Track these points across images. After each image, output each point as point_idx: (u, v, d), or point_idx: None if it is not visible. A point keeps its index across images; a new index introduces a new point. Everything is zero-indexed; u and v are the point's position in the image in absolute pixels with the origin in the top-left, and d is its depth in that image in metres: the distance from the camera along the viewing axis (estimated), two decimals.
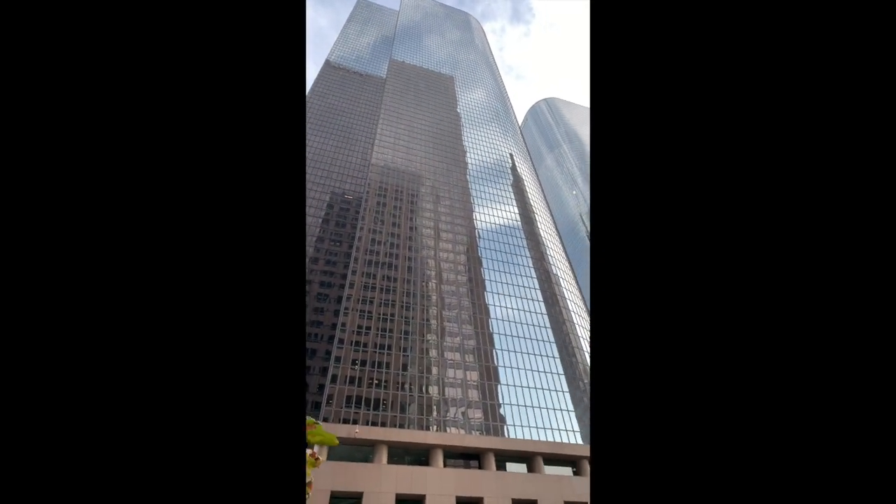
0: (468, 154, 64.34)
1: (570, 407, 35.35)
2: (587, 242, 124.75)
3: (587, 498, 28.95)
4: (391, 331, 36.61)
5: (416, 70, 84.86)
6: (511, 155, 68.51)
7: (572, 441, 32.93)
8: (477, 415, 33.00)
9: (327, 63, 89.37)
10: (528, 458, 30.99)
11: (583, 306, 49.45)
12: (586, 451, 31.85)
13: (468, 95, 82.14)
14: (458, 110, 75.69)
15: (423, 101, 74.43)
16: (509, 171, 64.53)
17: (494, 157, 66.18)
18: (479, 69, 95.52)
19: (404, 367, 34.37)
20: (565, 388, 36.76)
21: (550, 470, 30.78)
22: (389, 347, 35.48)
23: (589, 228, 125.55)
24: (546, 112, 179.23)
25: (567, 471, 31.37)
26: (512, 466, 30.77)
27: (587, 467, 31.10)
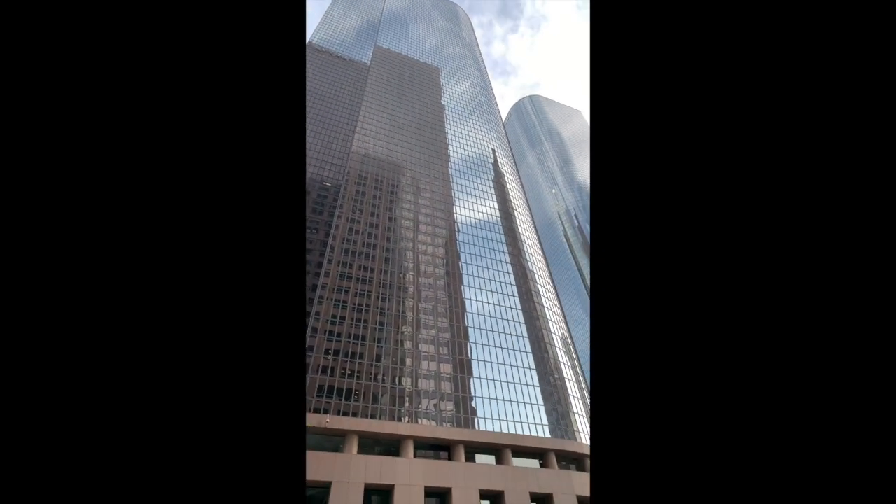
0: (451, 147, 64.07)
1: (540, 401, 36.10)
2: (563, 241, 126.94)
3: (551, 489, 29.74)
4: (366, 321, 36.32)
5: (401, 58, 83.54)
6: (493, 150, 68.67)
7: (540, 434, 33.68)
8: (449, 407, 33.26)
9: (309, 45, 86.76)
10: (497, 450, 31.53)
11: (556, 303, 50.39)
12: (553, 445, 32.65)
13: (453, 87, 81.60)
14: (443, 102, 75.13)
15: (407, 90, 73.47)
16: (491, 166, 64.70)
17: (477, 151, 66.17)
18: (466, 62, 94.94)
19: (378, 358, 34.21)
20: (536, 382, 37.48)
21: (518, 462, 31.43)
22: (363, 338, 35.21)
23: (565, 227, 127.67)
24: (529, 109, 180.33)
25: (534, 463, 32.11)
26: (481, 458, 31.25)
27: (553, 460, 31.91)
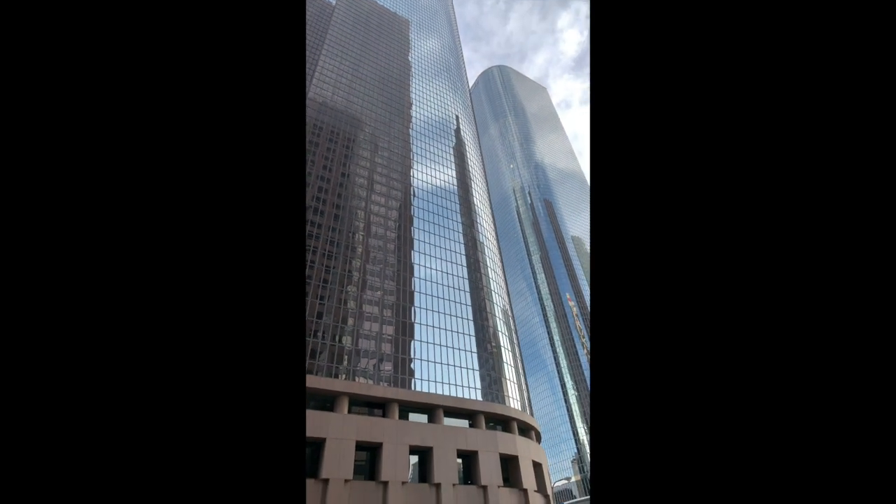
0: (414, 107, 61.96)
1: (476, 366, 37.84)
2: (515, 216, 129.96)
3: (477, 447, 31.82)
4: (310, 277, 35.41)
5: (369, 4, 77.89)
6: (457, 117, 67.40)
7: (473, 397, 35.52)
8: (387, 367, 33.91)
9: None
10: (430, 409, 32.92)
11: (502, 276, 52.07)
12: (483, 407, 34.64)
13: (422, 44, 77.96)
14: (410, 58, 71.76)
15: (373, 40, 69.12)
16: (453, 133, 63.66)
17: (441, 115, 64.59)
18: (438, 18, 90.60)
19: (319, 316, 33.74)
20: (474, 348, 39.10)
21: (449, 422, 33.10)
22: (305, 294, 34.41)
23: (518, 204, 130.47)
24: (498, 80, 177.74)
25: (465, 423, 34.01)
26: (414, 417, 32.51)
27: (482, 421, 33.97)
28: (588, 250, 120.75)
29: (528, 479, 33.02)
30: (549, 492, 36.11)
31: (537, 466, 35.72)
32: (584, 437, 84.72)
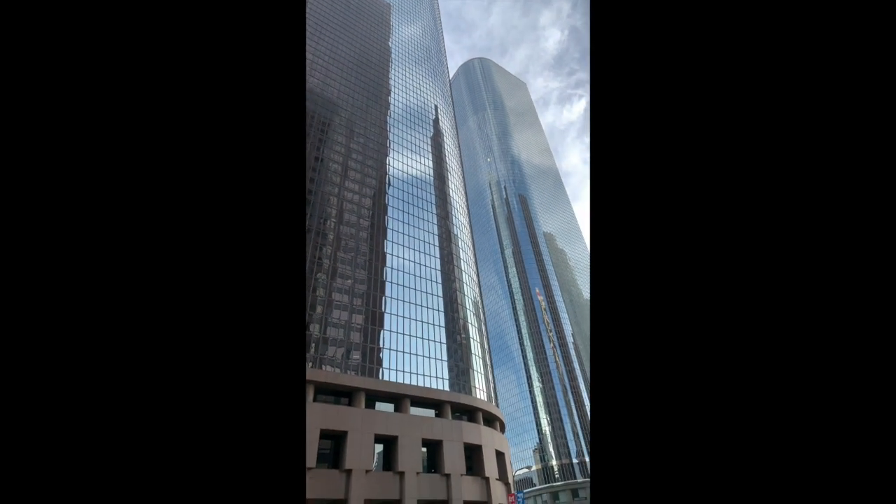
0: (392, 94, 60.91)
1: (445, 357, 38.16)
2: (490, 210, 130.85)
3: (442, 437, 32.24)
4: None
5: None
6: (436, 107, 66.81)
7: (440, 387, 35.86)
8: (356, 356, 33.67)
9: None
10: (397, 399, 33.01)
11: (474, 269, 52.49)
12: (449, 397, 35.06)
13: (404, 29, 76.51)
14: (390, 44, 70.31)
15: (353, 21, 67.20)
16: (431, 123, 63.12)
17: (419, 104, 63.83)
18: (421, 4, 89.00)
19: None
20: (444, 339, 39.38)
21: (415, 411, 33.33)
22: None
23: (494, 197, 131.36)
24: (478, 72, 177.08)
25: (431, 413, 34.33)
26: (381, 406, 32.53)
27: (448, 411, 34.39)
28: (559, 247, 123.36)
29: (490, 467, 33.80)
30: (510, 480, 37.14)
31: (500, 455, 36.61)
32: (546, 427, 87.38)
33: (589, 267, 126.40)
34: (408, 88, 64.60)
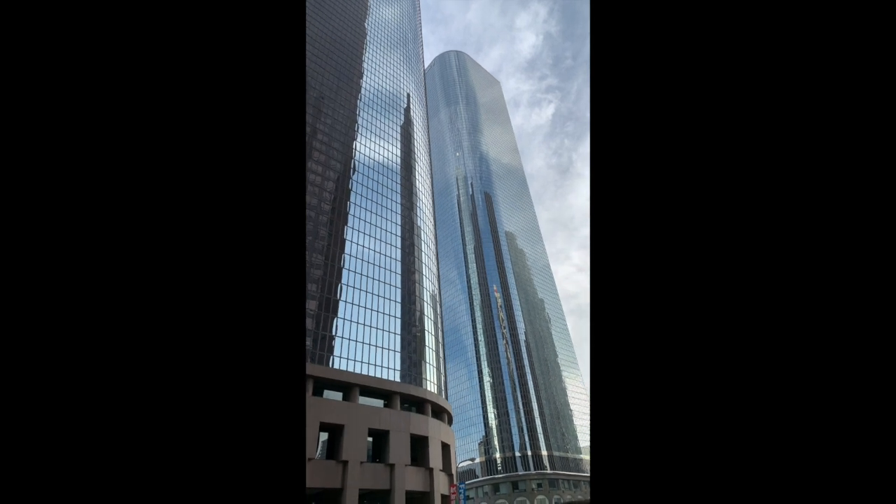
0: (364, 77, 59.30)
1: (398, 348, 38.03)
2: (455, 205, 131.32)
3: (390, 427, 32.21)
4: None
5: None
6: (409, 95, 65.83)
7: (391, 378, 35.75)
8: (307, 342, 32.79)
9: None
10: (346, 387, 32.55)
11: (435, 262, 52.53)
12: (399, 388, 35.04)
13: (381, 11, 74.48)
14: (366, 25, 68.29)
15: None
16: (403, 111, 62.14)
17: (392, 90, 62.60)
18: None
19: None
20: (398, 330, 39.21)
21: (364, 401, 33.05)
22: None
23: (460, 192, 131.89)
24: (454, 65, 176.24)
25: (380, 403, 34.17)
26: (329, 394, 31.95)
27: (397, 401, 34.38)
28: (519, 247, 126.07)
29: (435, 458, 34.22)
30: (454, 471, 37.81)
31: (445, 447, 37.14)
32: (492, 421, 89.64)
33: (545, 269, 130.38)
34: (381, 73, 63.15)
